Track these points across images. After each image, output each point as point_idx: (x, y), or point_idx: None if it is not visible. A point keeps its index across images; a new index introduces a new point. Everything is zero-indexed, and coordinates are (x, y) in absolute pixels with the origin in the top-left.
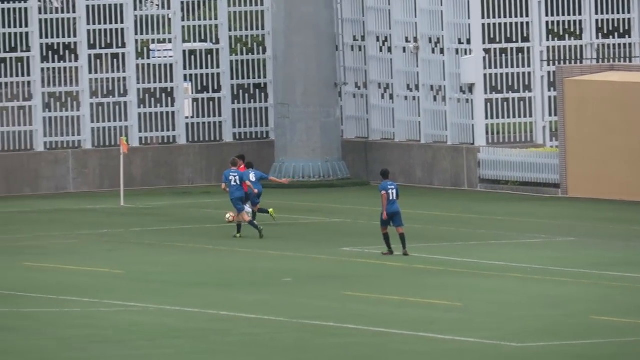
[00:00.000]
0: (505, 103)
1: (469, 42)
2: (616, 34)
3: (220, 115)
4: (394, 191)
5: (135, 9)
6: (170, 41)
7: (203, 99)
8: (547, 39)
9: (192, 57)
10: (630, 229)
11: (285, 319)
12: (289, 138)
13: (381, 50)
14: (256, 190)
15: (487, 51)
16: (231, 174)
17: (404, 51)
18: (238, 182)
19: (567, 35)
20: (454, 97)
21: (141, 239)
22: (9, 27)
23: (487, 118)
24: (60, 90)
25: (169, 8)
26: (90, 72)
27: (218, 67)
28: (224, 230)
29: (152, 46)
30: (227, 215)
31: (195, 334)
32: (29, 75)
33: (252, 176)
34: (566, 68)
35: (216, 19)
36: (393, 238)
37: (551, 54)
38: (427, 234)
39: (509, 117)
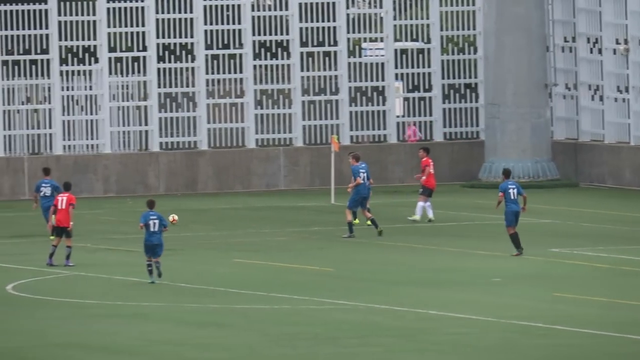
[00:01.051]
0: None
1: None
2: None
3: (430, 115)
4: (515, 190)
5: (347, 8)
6: (381, 40)
7: (414, 98)
8: None
9: (404, 56)
10: None
11: (493, 318)
12: (499, 138)
13: (591, 52)
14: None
15: None
16: (360, 170)
17: (614, 53)
18: (366, 179)
19: None
20: None
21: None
22: (221, 24)
23: None
24: (272, 87)
25: (380, 7)
26: (302, 70)
27: (429, 66)
28: (433, 228)
29: (363, 45)
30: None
31: (403, 333)
32: (241, 72)
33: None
34: None
35: (427, 18)
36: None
37: None
38: (636, 236)
39: None
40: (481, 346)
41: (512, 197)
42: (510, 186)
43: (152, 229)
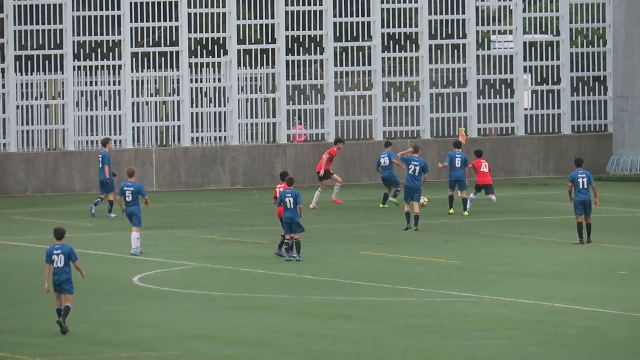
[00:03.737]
0: None
1: None
2: None
3: (559, 108)
4: (585, 180)
5: (477, 0)
6: (511, 33)
7: (542, 91)
8: None
9: (533, 49)
10: None
11: (619, 312)
12: (628, 131)
13: None
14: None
15: None
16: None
17: None
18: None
19: None
20: None
21: (478, 230)
22: (351, 16)
23: None
24: (401, 80)
25: (510, 0)
26: (430, 63)
27: (558, 59)
28: (561, 221)
29: (493, 37)
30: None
31: (530, 326)
32: (369, 65)
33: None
34: None
35: (557, 11)
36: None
37: None
38: None
39: None
40: (608, 339)
41: (582, 187)
42: (580, 175)
43: (288, 207)
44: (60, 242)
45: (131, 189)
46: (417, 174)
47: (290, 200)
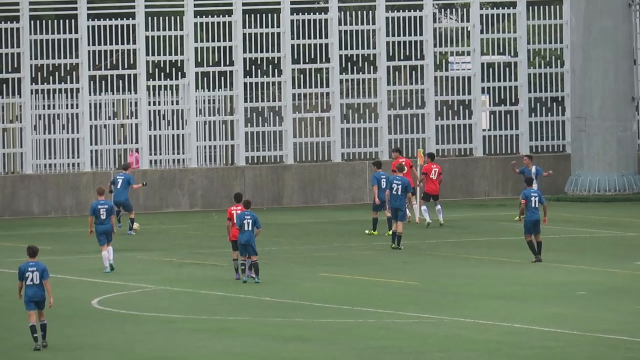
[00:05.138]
0: None
1: None
2: None
3: (517, 128)
4: (537, 199)
5: (434, 22)
6: (468, 54)
7: (500, 111)
8: None
9: (490, 69)
10: None
11: (579, 332)
12: (585, 151)
13: None
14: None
15: None
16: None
17: None
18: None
19: None
20: None
21: (437, 250)
22: (309, 38)
23: None
24: (359, 101)
25: (468, 21)
26: (388, 84)
27: (516, 80)
28: (520, 242)
29: (450, 58)
30: None
31: (489, 347)
32: (327, 86)
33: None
34: None
35: (515, 32)
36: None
37: None
38: None
39: None
40: None
41: (533, 205)
42: (532, 194)
43: (246, 229)
44: (33, 260)
45: (105, 207)
46: (400, 193)
47: (248, 222)
